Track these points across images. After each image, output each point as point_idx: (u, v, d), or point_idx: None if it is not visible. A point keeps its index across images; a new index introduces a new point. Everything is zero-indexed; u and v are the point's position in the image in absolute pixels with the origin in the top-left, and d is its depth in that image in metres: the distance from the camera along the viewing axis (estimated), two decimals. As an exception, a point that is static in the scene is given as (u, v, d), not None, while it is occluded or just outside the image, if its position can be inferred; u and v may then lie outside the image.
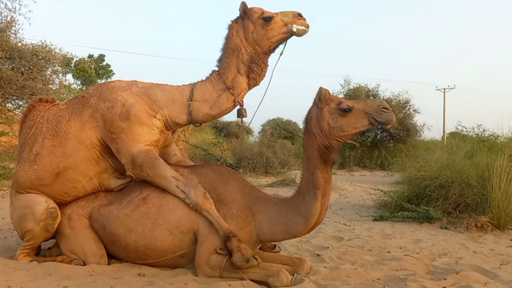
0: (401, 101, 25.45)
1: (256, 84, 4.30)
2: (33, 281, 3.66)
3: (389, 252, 5.26)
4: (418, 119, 25.71)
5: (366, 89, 25.71)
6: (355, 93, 24.85)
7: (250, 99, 4.56)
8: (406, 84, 71.26)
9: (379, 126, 3.80)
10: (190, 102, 4.28)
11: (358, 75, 51.49)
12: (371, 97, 24.47)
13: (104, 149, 4.30)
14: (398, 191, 8.37)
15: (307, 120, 3.84)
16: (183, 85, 4.39)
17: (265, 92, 4.51)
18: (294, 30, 4.14)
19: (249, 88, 4.31)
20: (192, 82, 4.39)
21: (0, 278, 3.70)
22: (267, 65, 4.29)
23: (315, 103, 3.82)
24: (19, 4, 11.68)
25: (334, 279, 3.98)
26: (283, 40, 4.24)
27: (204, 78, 4.37)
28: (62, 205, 4.37)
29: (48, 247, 4.61)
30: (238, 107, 4.35)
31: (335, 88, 25.46)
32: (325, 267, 4.31)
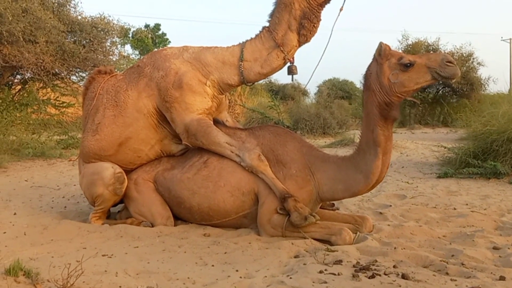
0: (464, 54, 24.11)
1: (307, 41, 4.21)
2: (106, 242, 3.88)
3: (454, 209, 5.12)
4: (482, 72, 24.29)
5: (426, 43, 24.44)
6: (414, 49, 23.71)
7: (307, 59, 4.46)
8: (468, 36, 67.68)
9: (442, 81, 3.65)
10: (241, 63, 4.28)
11: (416, 30, 49.18)
12: (431, 52, 23.33)
13: (161, 117, 4.41)
14: (463, 147, 8.05)
15: (367, 76, 3.74)
16: (232, 45, 4.38)
17: (324, 50, 4.42)
18: None
19: (300, 45, 4.24)
20: (241, 42, 4.37)
21: (76, 240, 3.96)
22: (320, 20, 4.17)
23: (375, 58, 3.71)
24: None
25: (398, 236, 3.94)
26: None
27: (253, 36, 4.34)
28: (127, 172, 4.55)
29: (118, 211, 4.84)
30: (288, 64, 4.30)
31: (393, 44, 24.23)
32: (388, 225, 4.27)
